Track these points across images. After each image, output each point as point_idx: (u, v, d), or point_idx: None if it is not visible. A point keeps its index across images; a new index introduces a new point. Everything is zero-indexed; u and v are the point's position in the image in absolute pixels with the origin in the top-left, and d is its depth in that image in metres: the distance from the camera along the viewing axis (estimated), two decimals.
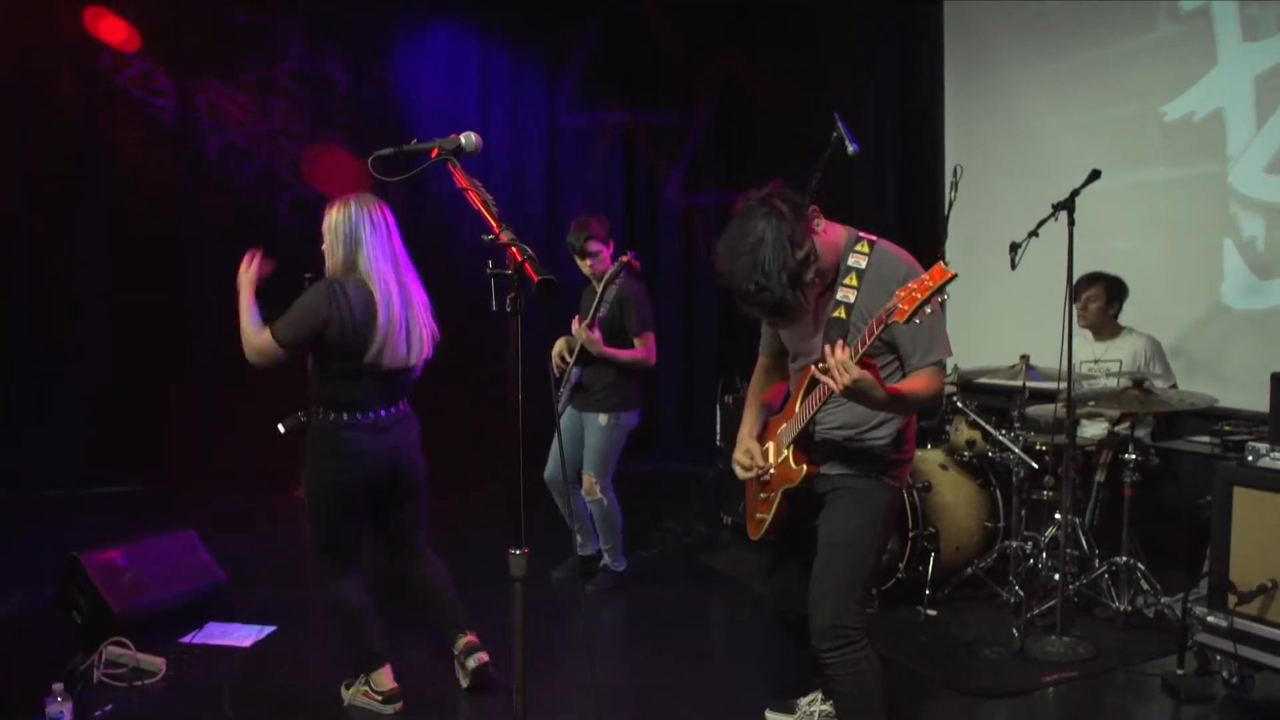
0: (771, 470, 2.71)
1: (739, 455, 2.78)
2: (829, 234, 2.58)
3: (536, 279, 2.04)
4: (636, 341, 4.52)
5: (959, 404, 4.62)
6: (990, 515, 4.53)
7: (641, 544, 5.44)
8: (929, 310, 2.18)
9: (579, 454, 4.61)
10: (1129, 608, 4.03)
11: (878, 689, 2.63)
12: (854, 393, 2.32)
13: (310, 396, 3.27)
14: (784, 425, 2.70)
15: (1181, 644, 3.49)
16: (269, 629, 4.07)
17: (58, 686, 3.04)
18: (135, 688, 3.50)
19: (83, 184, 6.58)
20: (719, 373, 6.81)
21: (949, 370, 4.64)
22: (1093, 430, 4.56)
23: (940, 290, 2.16)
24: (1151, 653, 3.75)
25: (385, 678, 3.35)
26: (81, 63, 6.50)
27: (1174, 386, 4.52)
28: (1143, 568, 4.07)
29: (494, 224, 2.15)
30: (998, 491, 4.56)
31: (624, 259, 4.36)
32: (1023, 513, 4.36)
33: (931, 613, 4.20)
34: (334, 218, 3.21)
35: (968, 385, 4.74)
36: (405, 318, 3.22)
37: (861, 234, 2.65)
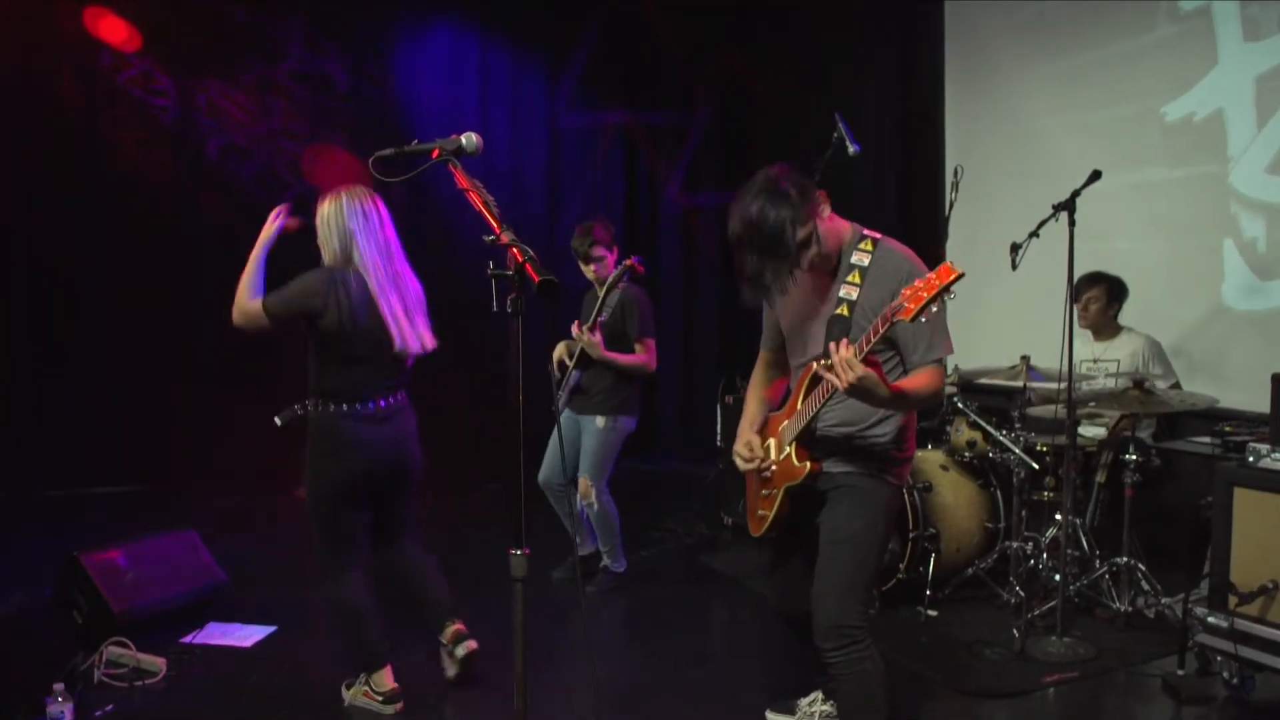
0: (773, 467, 2.70)
1: (740, 447, 2.78)
2: (833, 223, 2.61)
3: (537, 280, 2.04)
4: (637, 347, 4.51)
5: (960, 405, 4.62)
6: (991, 516, 4.53)
7: (642, 544, 5.44)
8: (934, 309, 2.18)
9: (575, 457, 4.61)
10: (1129, 608, 4.03)
11: (881, 688, 2.63)
12: (858, 390, 2.32)
13: (309, 389, 3.28)
14: (785, 422, 2.69)
15: (1182, 645, 3.49)
16: (269, 629, 4.07)
17: (58, 686, 3.04)
18: (136, 688, 3.50)
19: (83, 184, 6.58)
20: (719, 373, 6.81)
21: (949, 371, 4.64)
22: (1093, 431, 4.56)
23: (947, 289, 2.15)
24: (1152, 653, 3.75)
25: (386, 678, 3.35)
26: (81, 63, 6.50)
27: (1176, 386, 4.52)
28: (1143, 568, 4.07)
29: (495, 225, 2.15)
30: (998, 492, 4.56)
31: (628, 263, 4.34)
32: (1023, 513, 4.36)
33: (932, 613, 4.20)
34: (326, 210, 3.23)
35: (968, 386, 4.74)
36: (401, 308, 3.24)
37: (866, 231, 2.66)
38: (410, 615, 3.53)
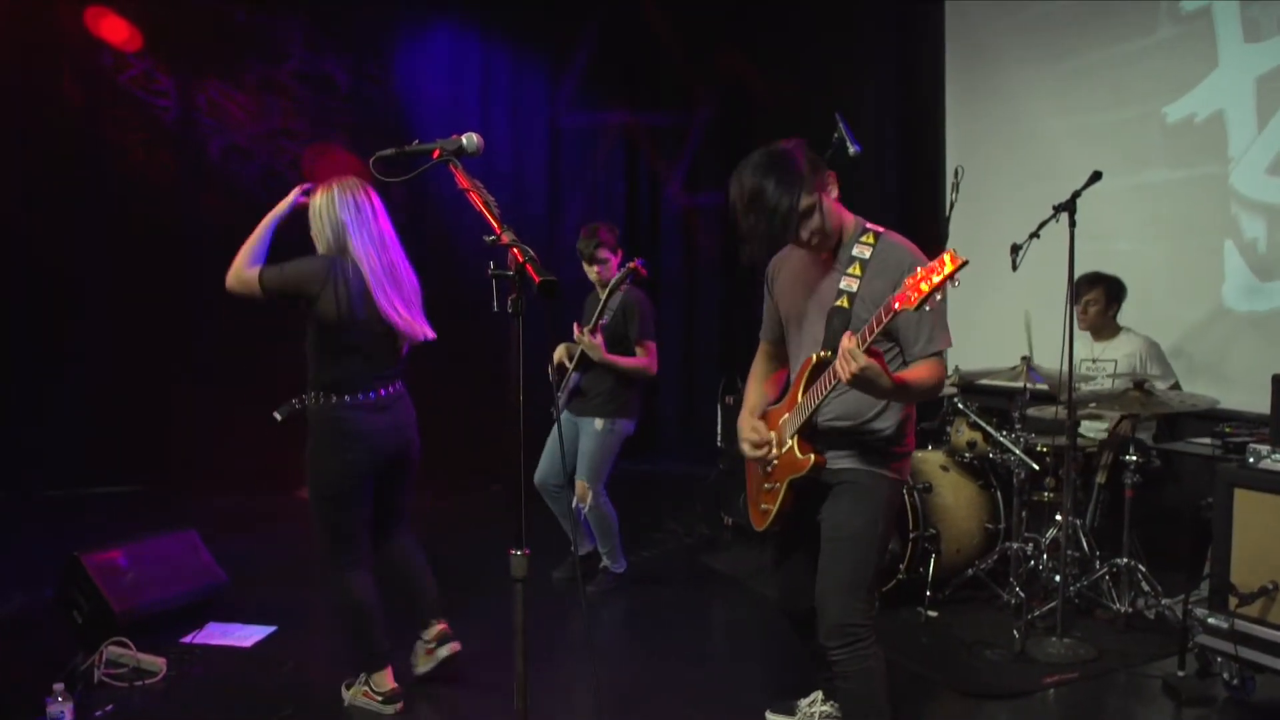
0: (775, 460, 2.69)
1: (747, 433, 2.76)
2: (839, 207, 2.63)
3: (538, 280, 2.04)
4: (638, 350, 4.51)
5: (960, 405, 4.62)
6: (991, 516, 4.53)
7: (642, 545, 5.44)
8: (938, 297, 2.17)
9: (573, 459, 4.60)
10: (1130, 609, 4.03)
11: (884, 687, 2.63)
12: (861, 381, 2.31)
13: (308, 383, 3.28)
14: (786, 415, 2.68)
15: (1182, 646, 3.48)
16: (269, 629, 4.07)
17: (58, 686, 3.04)
18: (136, 688, 3.49)
19: (83, 184, 6.59)
20: (720, 373, 6.81)
21: (950, 371, 4.64)
22: (1094, 431, 4.56)
23: (950, 277, 2.13)
24: (1152, 654, 3.75)
25: (386, 678, 3.35)
26: (82, 63, 6.50)
27: (1175, 386, 4.52)
28: (1143, 569, 4.07)
29: (495, 225, 2.16)
30: (998, 493, 4.56)
31: (631, 265, 4.34)
32: (1023, 514, 4.36)
33: (932, 614, 4.20)
34: (318, 202, 3.25)
35: (969, 387, 4.74)
36: (399, 298, 3.25)
37: (869, 225, 2.67)
38: (404, 611, 3.52)
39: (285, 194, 3.33)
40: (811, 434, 2.63)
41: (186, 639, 3.92)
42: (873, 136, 6.40)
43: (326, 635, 3.91)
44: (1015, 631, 3.84)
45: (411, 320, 3.29)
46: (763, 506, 2.77)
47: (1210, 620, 3.33)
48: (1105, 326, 4.65)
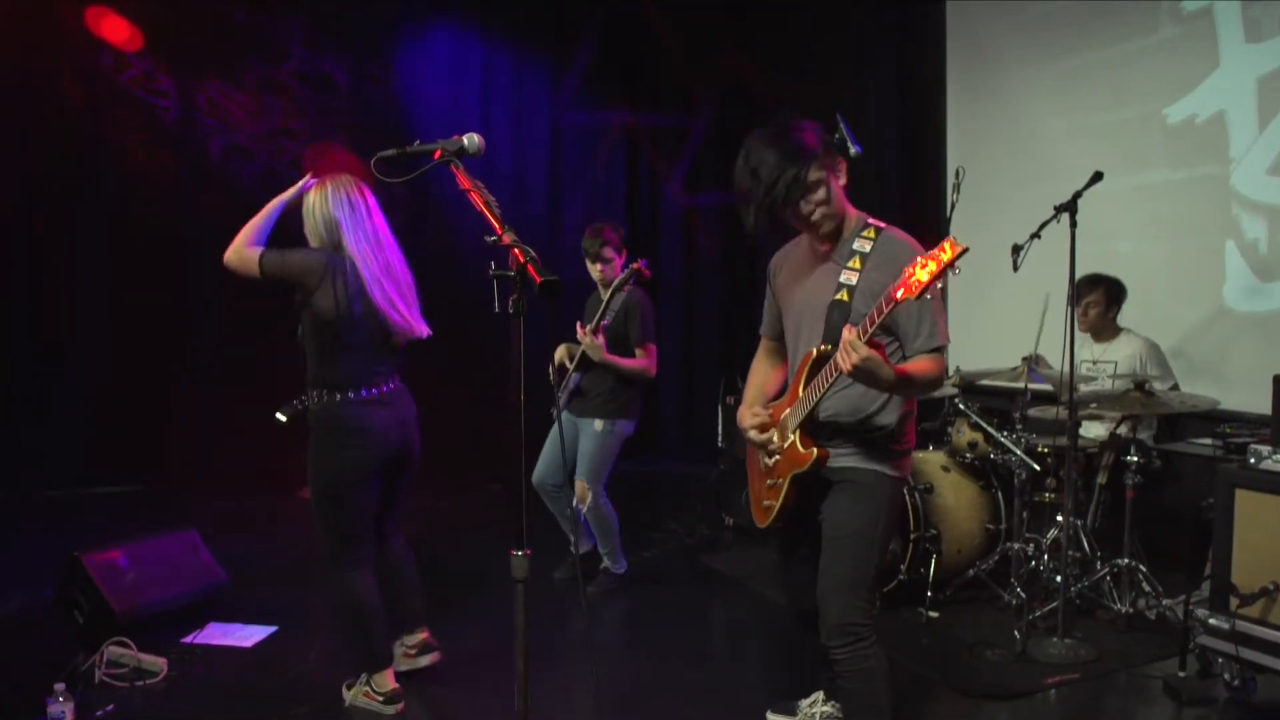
0: (778, 455, 2.68)
1: (749, 420, 2.74)
2: (844, 195, 2.65)
3: (539, 280, 2.03)
4: (638, 351, 4.50)
5: (961, 406, 4.62)
6: (992, 517, 4.53)
7: (643, 545, 5.44)
8: (939, 285, 2.16)
9: (573, 459, 4.60)
10: (1131, 610, 4.03)
11: (885, 687, 2.63)
12: (862, 372, 2.30)
13: (309, 381, 3.28)
14: (787, 410, 2.66)
15: (1183, 646, 3.48)
16: (270, 629, 4.07)
17: (59, 686, 3.04)
18: (136, 688, 3.49)
19: (83, 184, 6.58)
20: (720, 373, 6.82)
21: (950, 372, 4.64)
22: (1094, 432, 4.56)
23: (951, 265, 2.11)
24: (1153, 655, 3.75)
25: (387, 678, 3.34)
26: (82, 63, 6.50)
27: (1174, 388, 4.52)
28: (1144, 570, 4.07)
29: (497, 225, 2.15)
30: (999, 493, 4.56)
31: (635, 266, 4.33)
32: (1024, 514, 4.35)
33: (933, 614, 4.20)
34: (311, 200, 3.26)
35: (969, 387, 4.74)
36: (393, 295, 3.25)
37: (871, 220, 2.67)
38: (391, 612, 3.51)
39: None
40: (813, 428, 2.62)
41: (187, 639, 3.91)
42: (873, 137, 6.39)
43: (327, 635, 3.91)
44: (1016, 632, 3.84)
45: (409, 318, 3.29)
46: (765, 503, 2.76)
47: (1211, 621, 3.33)
48: (1106, 328, 4.65)
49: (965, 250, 2.10)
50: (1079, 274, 3.97)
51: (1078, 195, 3.75)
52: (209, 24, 6.69)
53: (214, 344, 6.63)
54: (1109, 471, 4.29)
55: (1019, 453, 4.30)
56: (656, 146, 8.22)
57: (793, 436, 2.62)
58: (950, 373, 4.62)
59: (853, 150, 4.08)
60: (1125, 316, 4.67)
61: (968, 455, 4.61)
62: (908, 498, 4.24)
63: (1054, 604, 3.90)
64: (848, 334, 2.29)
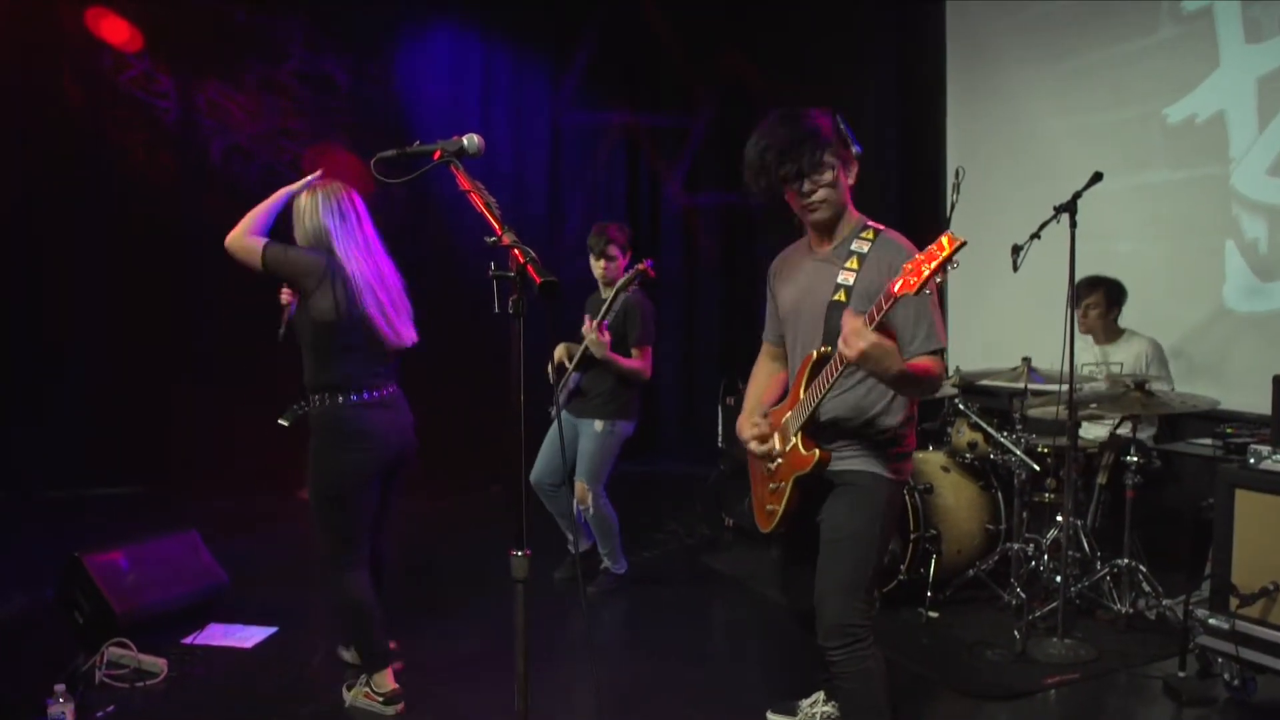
0: (779, 458, 2.68)
1: (749, 430, 2.73)
2: (849, 195, 2.67)
3: (539, 281, 2.03)
4: (634, 352, 4.49)
5: (961, 406, 4.62)
6: (992, 517, 4.53)
7: (643, 545, 5.44)
8: (938, 281, 2.15)
9: (572, 460, 4.60)
10: (1130, 610, 4.03)
11: (883, 688, 2.63)
12: (868, 360, 2.27)
13: (308, 385, 3.29)
14: (789, 413, 2.66)
15: (1183, 646, 3.48)
16: (270, 630, 4.07)
17: (60, 687, 3.04)
18: (137, 689, 3.50)
19: (83, 184, 6.59)
20: (720, 373, 6.82)
21: (950, 372, 4.64)
22: (1095, 432, 4.56)
23: (950, 259, 2.10)
24: (1153, 655, 3.75)
25: (387, 678, 3.35)
26: (82, 63, 6.50)
27: (1172, 390, 4.51)
28: (1144, 570, 4.07)
29: (496, 226, 2.15)
30: (999, 494, 4.56)
31: (640, 266, 4.31)
32: (1024, 515, 4.35)
33: (933, 615, 4.20)
34: (302, 204, 3.27)
35: (969, 387, 4.74)
36: (388, 302, 3.27)
37: (870, 222, 2.67)
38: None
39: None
40: (815, 430, 2.62)
41: (187, 640, 3.92)
42: (873, 137, 6.40)
43: (327, 636, 3.91)
44: (1016, 632, 3.84)
45: (396, 328, 3.29)
46: (769, 508, 2.75)
47: (1211, 621, 3.33)
48: (1107, 329, 4.65)
49: (963, 244, 2.09)
50: (1079, 274, 3.97)
51: (1077, 195, 3.75)
52: (209, 24, 6.69)
53: (214, 344, 6.63)
54: (1109, 471, 4.30)
55: (1019, 453, 4.30)
56: (656, 146, 8.22)
57: (794, 439, 2.61)
58: (950, 373, 4.62)
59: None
60: (1125, 317, 4.67)
61: (968, 455, 4.61)
62: (907, 498, 4.24)
63: (1054, 604, 3.90)
64: (853, 321, 2.26)
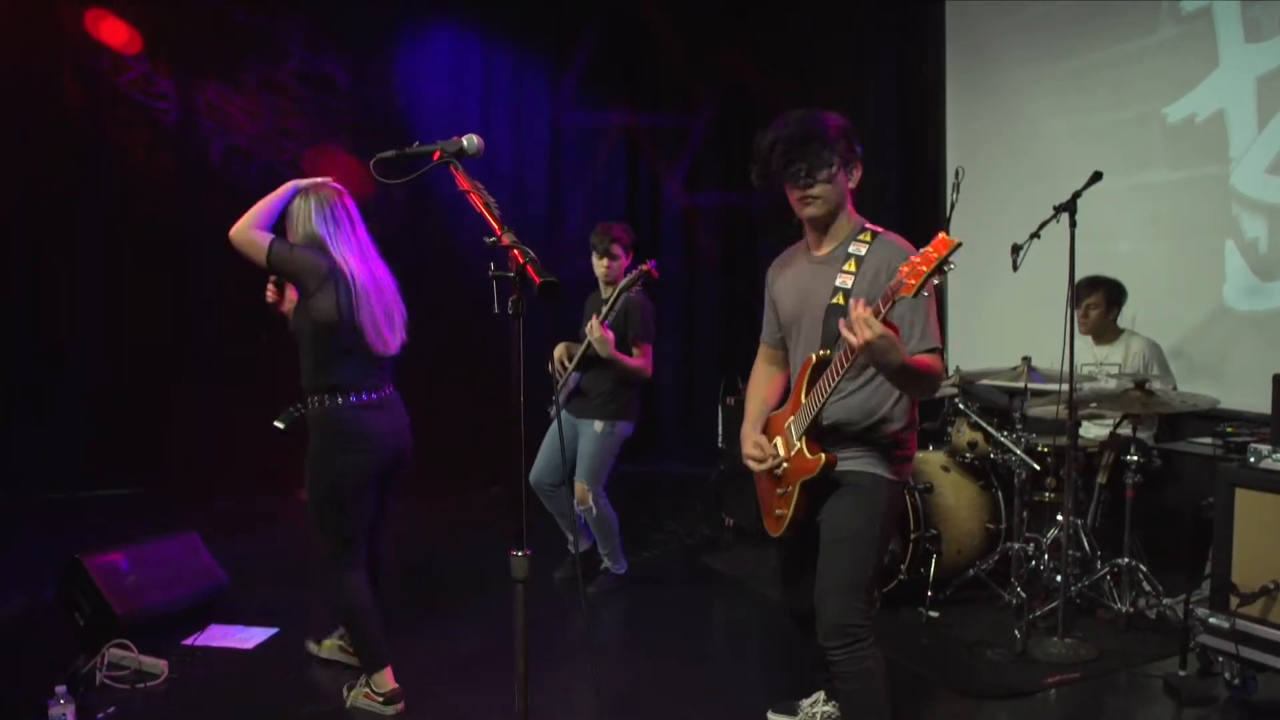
0: (785, 464, 2.68)
1: (749, 449, 2.75)
2: (850, 198, 2.69)
3: (538, 281, 2.03)
4: (635, 351, 4.49)
5: (961, 405, 4.62)
6: (992, 517, 4.53)
7: (643, 545, 5.44)
8: (935, 282, 2.16)
9: (572, 460, 4.60)
10: (1131, 609, 4.03)
11: (884, 688, 2.63)
12: (875, 349, 2.28)
13: (305, 386, 3.29)
14: (791, 418, 2.67)
15: (1184, 645, 3.48)
16: (271, 631, 4.07)
17: (60, 688, 3.04)
18: (137, 690, 3.50)
19: (83, 184, 6.58)
20: (720, 373, 6.81)
21: (950, 372, 4.64)
22: (1094, 432, 4.56)
23: (946, 260, 2.11)
24: (1153, 654, 3.75)
25: (386, 678, 3.35)
26: (82, 64, 6.50)
27: (1173, 389, 4.51)
28: (1145, 569, 4.07)
29: (496, 226, 2.15)
30: (999, 493, 4.56)
31: (643, 267, 4.30)
32: (1024, 514, 4.35)
33: (933, 614, 4.20)
34: (295, 206, 3.27)
35: (969, 387, 4.74)
36: (381, 309, 3.27)
37: (868, 225, 2.68)
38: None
39: None
40: (818, 434, 2.63)
41: (188, 641, 3.92)
42: (873, 137, 6.40)
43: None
44: (1016, 632, 3.85)
45: (385, 337, 3.27)
46: (777, 512, 2.75)
47: (1211, 620, 3.33)
48: (1106, 330, 4.65)
49: (958, 245, 2.10)
50: (1079, 274, 3.97)
51: (1077, 195, 3.75)
52: (208, 25, 6.69)
53: (214, 344, 6.63)
54: (1109, 471, 4.30)
55: (1019, 452, 4.30)
56: (656, 146, 8.22)
57: (799, 444, 2.62)
58: (950, 373, 4.62)
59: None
60: (1125, 317, 4.67)
61: (968, 455, 4.61)
62: (907, 498, 4.24)
63: (1054, 603, 3.90)
64: (861, 310, 2.26)
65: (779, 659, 4.00)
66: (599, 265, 4.55)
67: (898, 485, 2.70)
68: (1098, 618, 4.11)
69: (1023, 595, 4.06)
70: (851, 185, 2.65)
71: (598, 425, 4.49)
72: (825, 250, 2.69)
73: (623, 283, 4.35)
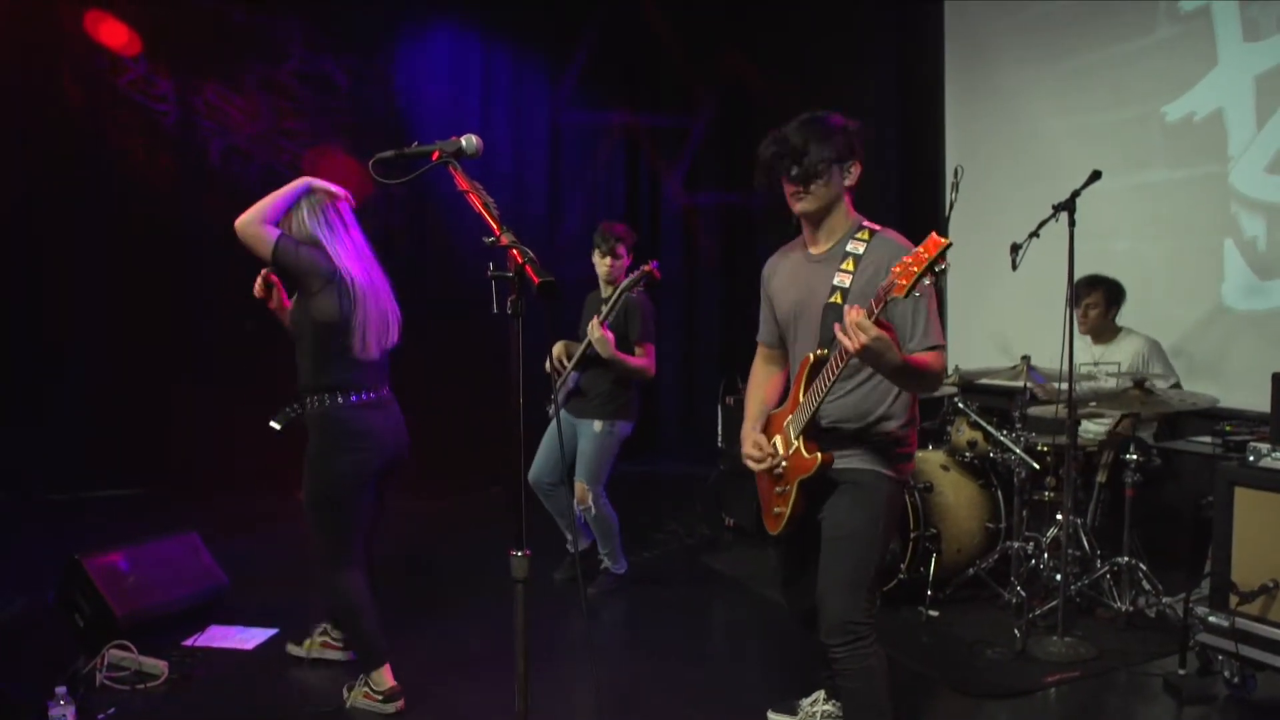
0: (784, 462, 2.69)
1: (748, 449, 2.76)
2: (848, 198, 2.69)
3: (537, 281, 2.04)
4: (637, 350, 4.49)
5: (960, 405, 4.62)
6: (992, 516, 4.53)
7: (643, 545, 5.44)
8: (927, 282, 2.16)
9: (571, 460, 4.60)
10: (1130, 608, 4.03)
11: (885, 685, 2.63)
12: (870, 354, 2.28)
13: (303, 388, 3.30)
14: (789, 417, 2.67)
15: (1183, 644, 3.48)
16: (271, 631, 4.07)
17: (60, 689, 3.04)
18: (137, 691, 3.50)
19: (83, 184, 6.59)
20: (720, 373, 6.81)
21: (950, 371, 4.64)
22: (1094, 430, 4.56)
23: (938, 260, 2.12)
24: (1153, 653, 3.75)
25: (385, 676, 3.35)
26: (82, 65, 6.50)
27: (1176, 385, 4.52)
28: (1144, 568, 4.07)
29: (495, 226, 2.16)
30: (999, 492, 4.56)
31: (646, 268, 4.29)
32: (1024, 513, 4.36)
33: (933, 613, 4.20)
34: (297, 204, 3.27)
35: (969, 386, 4.74)
36: (373, 312, 3.27)
37: (865, 222, 2.68)
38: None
39: None
40: (816, 433, 2.63)
41: (188, 642, 3.91)
42: (873, 137, 6.33)
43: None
44: (1016, 630, 3.85)
45: (368, 343, 3.26)
46: (776, 510, 2.76)
47: (1211, 618, 3.34)
48: (1106, 329, 4.65)
49: (948, 245, 2.10)
50: (1078, 273, 3.97)
51: (1076, 194, 3.75)
52: (208, 25, 6.69)
53: (214, 344, 6.63)
54: (1109, 470, 4.30)
55: (1018, 451, 4.31)
56: (656, 146, 8.22)
57: (796, 443, 2.62)
58: (950, 372, 4.62)
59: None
60: (1124, 316, 4.67)
61: (967, 454, 4.61)
62: (907, 497, 4.24)
63: (1054, 602, 3.91)
64: (855, 315, 2.26)
65: (779, 659, 4.00)
66: (601, 264, 4.54)
67: (899, 483, 2.70)
68: (1097, 616, 4.11)
69: (1022, 594, 4.06)
70: (848, 183, 2.65)
71: (597, 425, 4.49)
72: (823, 248, 2.69)
73: (624, 284, 4.35)
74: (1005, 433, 4.41)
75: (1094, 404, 4.09)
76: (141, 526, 4.74)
